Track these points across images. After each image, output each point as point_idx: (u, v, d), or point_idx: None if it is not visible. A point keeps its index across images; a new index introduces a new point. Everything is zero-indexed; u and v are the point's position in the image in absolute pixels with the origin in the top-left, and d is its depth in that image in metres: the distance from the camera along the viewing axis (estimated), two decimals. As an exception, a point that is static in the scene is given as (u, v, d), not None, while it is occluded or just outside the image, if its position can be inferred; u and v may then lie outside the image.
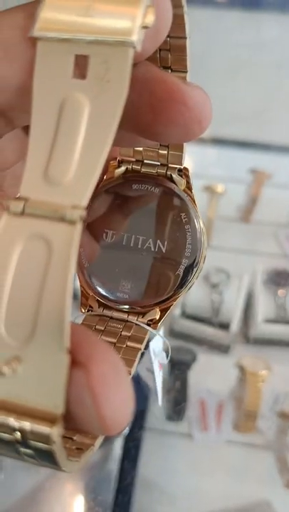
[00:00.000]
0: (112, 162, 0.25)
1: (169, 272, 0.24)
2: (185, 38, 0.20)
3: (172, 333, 0.76)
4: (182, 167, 0.24)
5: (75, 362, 0.14)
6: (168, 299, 0.25)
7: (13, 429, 0.14)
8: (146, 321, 0.24)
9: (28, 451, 0.15)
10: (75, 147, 0.15)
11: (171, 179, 0.25)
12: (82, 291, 0.25)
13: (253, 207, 0.95)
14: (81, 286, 0.25)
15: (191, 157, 0.95)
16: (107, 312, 0.25)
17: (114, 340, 0.24)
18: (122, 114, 0.15)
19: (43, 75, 0.16)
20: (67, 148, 0.15)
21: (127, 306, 0.25)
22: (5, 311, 0.14)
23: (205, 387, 0.71)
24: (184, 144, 0.23)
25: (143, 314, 0.25)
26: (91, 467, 0.61)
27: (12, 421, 0.14)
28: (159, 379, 0.33)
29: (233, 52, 1.00)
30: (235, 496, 0.62)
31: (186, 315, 0.76)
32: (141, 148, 0.24)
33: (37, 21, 0.16)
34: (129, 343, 0.24)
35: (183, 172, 0.24)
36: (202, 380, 0.71)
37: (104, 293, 0.25)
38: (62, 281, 0.14)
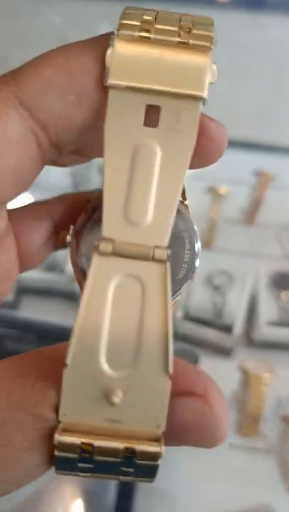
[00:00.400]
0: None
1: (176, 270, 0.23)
2: None
3: (174, 336, 0.76)
4: None
5: (194, 393, 0.17)
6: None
7: (122, 453, 0.16)
8: None
9: (130, 469, 0.17)
10: (151, 190, 0.17)
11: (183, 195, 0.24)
12: None
13: (257, 209, 0.94)
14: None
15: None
16: None
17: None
18: None
19: (115, 122, 0.17)
20: (143, 190, 0.17)
21: None
22: (106, 345, 0.16)
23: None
24: None
25: None
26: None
27: (121, 445, 0.16)
28: None
29: (236, 53, 0.99)
30: (237, 500, 0.62)
31: (188, 317, 0.76)
32: None
33: (110, 70, 0.17)
34: None
35: None
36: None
37: None
38: (162, 312, 0.16)
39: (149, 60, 0.17)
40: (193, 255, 0.24)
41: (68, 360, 0.16)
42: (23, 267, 0.24)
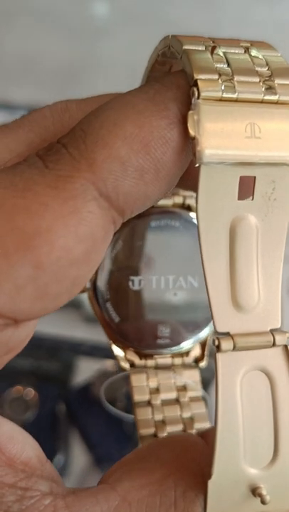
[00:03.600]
0: None
1: (203, 304, 0.24)
2: None
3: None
4: None
5: None
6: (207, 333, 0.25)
7: None
8: (191, 360, 0.25)
9: None
10: (254, 269, 0.17)
11: (189, 208, 0.24)
12: (116, 351, 0.26)
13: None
14: (114, 344, 0.26)
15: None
16: (150, 362, 0.25)
17: (175, 396, 0.25)
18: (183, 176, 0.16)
19: (209, 200, 0.16)
20: (248, 272, 0.17)
21: (169, 350, 0.25)
22: (244, 447, 0.16)
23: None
24: None
25: (187, 353, 0.25)
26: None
27: None
28: None
29: (245, 31, 0.96)
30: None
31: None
32: None
33: (201, 145, 0.15)
34: (190, 394, 0.25)
35: None
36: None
37: (144, 344, 0.25)
38: None
39: (238, 125, 0.16)
40: None
41: (214, 471, 0.16)
42: None
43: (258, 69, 0.17)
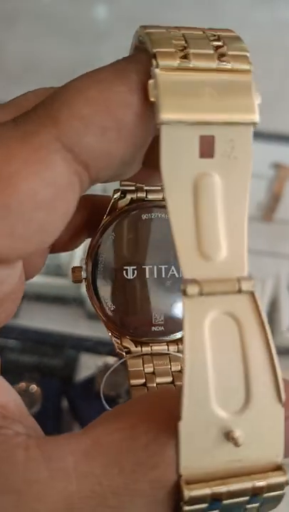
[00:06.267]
0: (115, 194, 0.27)
1: None
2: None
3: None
4: None
5: None
6: None
7: (251, 492, 0.17)
8: None
9: (256, 504, 0.18)
10: (219, 221, 0.18)
11: None
12: (113, 337, 0.27)
13: (276, 205, 0.93)
14: (110, 332, 0.27)
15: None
16: (146, 349, 0.27)
17: (170, 380, 0.26)
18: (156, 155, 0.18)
19: (172, 159, 0.18)
20: (212, 223, 0.18)
21: (163, 338, 0.26)
22: (215, 389, 0.17)
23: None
24: None
25: (182, 340, 0.26)
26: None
27: (250, 485, 0.17)
28: None
29: (245, 32, 0.98)
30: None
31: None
32: None
33: (159, 105, 0.17)
34: None
35: None
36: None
37: (138, 331, 0.26)
38: (264, 343, 0.17)
39: (194, 88, 0.18)
40: None
41: (183, 413, 0.16)
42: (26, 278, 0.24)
43: (213, 43, 0.19)
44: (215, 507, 0.17)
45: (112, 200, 0.27)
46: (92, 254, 0.26)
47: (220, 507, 0.17)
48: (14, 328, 0.71)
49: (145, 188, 0.26)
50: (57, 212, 0.18)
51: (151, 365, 0.26)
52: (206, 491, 0.17)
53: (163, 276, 0.26)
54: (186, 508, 0.17)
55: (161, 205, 0.26)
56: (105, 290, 0.26)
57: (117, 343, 0.27)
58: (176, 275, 0.26)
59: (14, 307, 0.22)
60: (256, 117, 0.18)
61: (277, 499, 0.18)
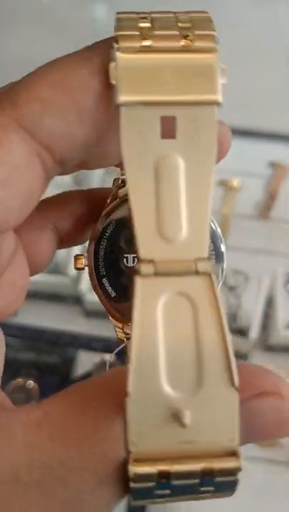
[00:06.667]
0: (115, 183, 0.27)
1: None
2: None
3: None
4: None
5: (266, 393, 0.18)
6: None
7: (200, 474, 0.17)
8: None
9: (210, 488, 0.17)
10: (180, 203, 0.17)
11: None
12: (115, 324, 0.27)
13: (272, 203, 0.94)
14: (113, 318, 0.27)
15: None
16: None
17: None
18: None
19: (132, 140, 0.17)
20: (173, 204, 0.17)
21: None
22: (166, 368, 0.17)
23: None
24: None
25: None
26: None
27: (199, 467, 0.17)
28: None
29: (244, 32, 0.98)
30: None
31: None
32: None
33: (118, 87, 0.17)
34: None
35: None
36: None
37: None
38: (217, 325, 0.17)
39: (155, 70, 0.18)
40: (219, 256, 0.25)
41: (130, 388, 0.16)
42: (32, 273, 0.24)
43: (180, 24, 0.18)
44: (164, 486, 0.17)
45: (113, 189, 0.27)
46: (94, 243, 0.26)
47: (170, 487, 0.17)
48: (12, 325, 0.72)
49: None
50: (15, 190, 0.18)
51: None
52: (152, 469, 0.16)
53: None
54: (133, 485, 0.17)
55: None
56: (107, 277, 0.26)
57: (119, 329, 0.27)
58: None
59: (14, 296, 0.23)
60: (218, 97, 0.18)
61: (231, 486, 0.17)
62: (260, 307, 0.76)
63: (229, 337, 0.17)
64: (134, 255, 0.26)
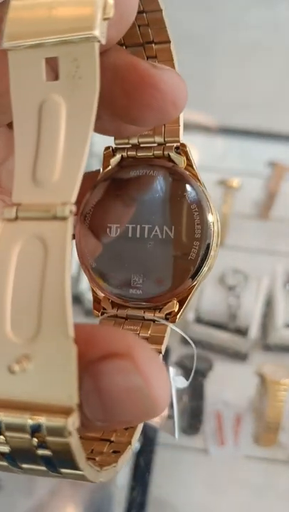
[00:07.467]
0: (106, 152, 0.26)
1: (181, 258, 0.24)
2: (160, 10, 0.22)
3: (185, 340, 0.76)
4: (180, 144, 0.25)
5: (116, 354, 0.16)
6: (184, 287, 0.25)
7: (29, 429, 0.15)
8: (163, 315, 0.25)
9: (47, 452, 0.16)
10: (58, 146, 0.17)
11: (169, 159, 0.25)
12: (93, 295, 0.26)
13: (272, 202, 0.94)
14: (91, 288, 0.26)
15: (201, 148, 0.95)
16: (121, 312, 0.25)
17: None
18: (99, 103, 0.17)
19: (18, 83, 0.17)
20: (50, 148, 0.17)
21: (143, 303, 0.25)
22: (9, 311, 0.16)
23: (222, 397, 0.70)
24: (181, 116, 0.24)
25: (160, 309, 0.25)
26: (95, 486, 0.61)
27: (27, 419, 0.15)
28: (175, 406, 0.35)
29: (244, 33, 0.99)
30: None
31: (200, 320, 0.76)
32: None
33: (4, 32, 0.17)
34: (152, 347, 0.24)
35: (181, 149, 0.25)
36: (218, 390, 0.70)
37: (116, 292, 0.25)
38: (60, 274, 0.16)
39: (40, 11, 0.17)
40: (203, 213, 0.24)
41: None
42: None
43: None
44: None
45: (103, 158, 0.26)
46: (82, 212, 0.25)
47: (6, 442, 0.16)
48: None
49: (139, 142, 0.26)
50: None
51: (121, 328, 0.25)
52: None
53: (146, 236, 0.25)
54: None
55: (151, 163, 0.25)
56: (90, 247, 0.26)
57: (96, 301, 0.26)
58: (160, 236, 0.25)
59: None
60: (95, 32, 0.17)
61: (66, 455, 0.16)
62: (259, 306, 0.77)
63: (68, 285, 0.16)
64: (118, 225, 0.25)
